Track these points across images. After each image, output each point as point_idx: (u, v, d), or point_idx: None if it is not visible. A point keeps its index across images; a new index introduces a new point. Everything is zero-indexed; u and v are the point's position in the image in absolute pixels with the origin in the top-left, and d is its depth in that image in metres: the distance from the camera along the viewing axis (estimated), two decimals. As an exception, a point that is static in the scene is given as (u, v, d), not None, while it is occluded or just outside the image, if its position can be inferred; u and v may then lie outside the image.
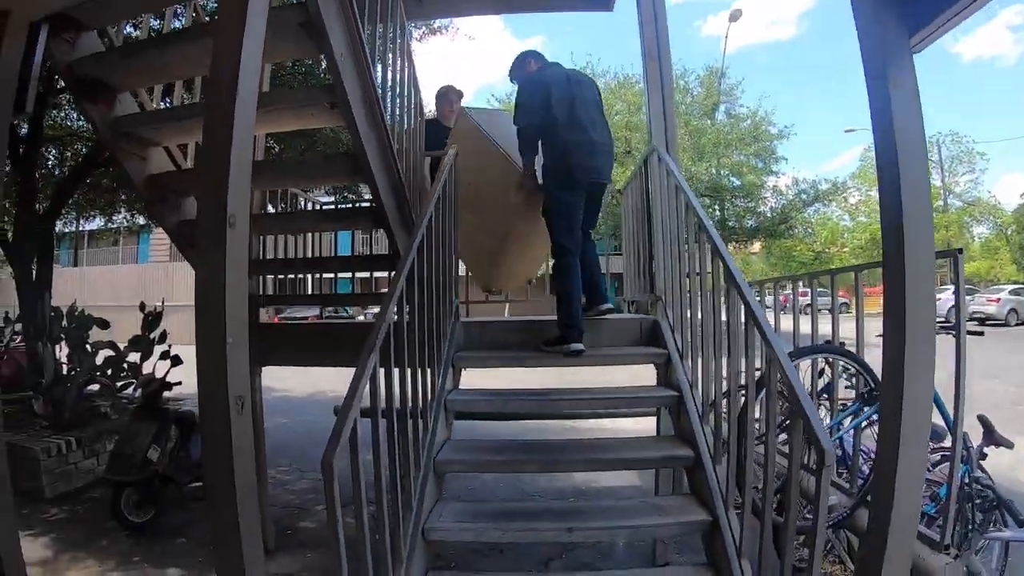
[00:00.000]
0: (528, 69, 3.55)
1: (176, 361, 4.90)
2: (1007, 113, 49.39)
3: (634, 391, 3.22)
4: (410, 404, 2.31)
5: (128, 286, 18.67)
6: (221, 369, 1.62)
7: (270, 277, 4.47)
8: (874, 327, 2.39)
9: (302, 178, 3.89)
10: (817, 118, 52.02)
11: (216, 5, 4.00)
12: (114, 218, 7.91)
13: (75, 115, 6.36)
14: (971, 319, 20.67)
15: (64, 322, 6.12)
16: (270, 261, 4.30)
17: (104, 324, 6.34)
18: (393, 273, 2.43)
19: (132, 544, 4.24)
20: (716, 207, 17.73)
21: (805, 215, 21.62)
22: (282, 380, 8.82)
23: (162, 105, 3.65)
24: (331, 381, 9.03)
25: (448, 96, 4.68)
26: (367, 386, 1.84)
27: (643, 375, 3.45)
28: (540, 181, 3.41)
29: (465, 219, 3.53)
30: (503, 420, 3.87)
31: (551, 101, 3.20)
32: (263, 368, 4.16)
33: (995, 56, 57.75)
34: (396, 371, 2.16)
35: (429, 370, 2.61)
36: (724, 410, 2.64)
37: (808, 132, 49.33)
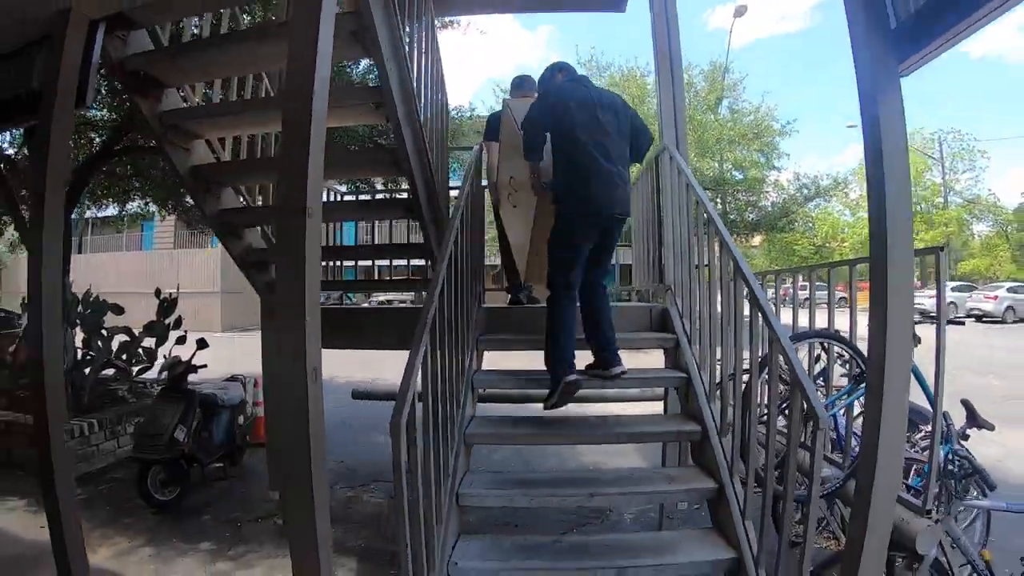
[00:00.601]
0: (555, 81, 3.51)
1: (202, 344, 5.18)
2: (1013, 111, 50.26)
3: (646, 372, 3.53)
4: (447, 383, 2.62)
5: (134, 273, 18.93)
6: (300, 343, 1.90)
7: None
8: (866, 320, 2.71)
9: (345, 170, 4.13)
10: (826, 112, 52.64)
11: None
12: (128, 205, 8.15)
13: (91, 105, 6.59)
14: (969, 316, 21.25)
15: (79, 308, 6.39)
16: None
17: (119, 310, 6.63)
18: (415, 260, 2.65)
19: (158, 522, 4.49)
20: (718, 200, 18.12)
21: (806, 210, 22.11)
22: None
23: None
24: (340, 367, 9.32)
25: (522, 87, 4.53)
26: (419, 366, 2.14)
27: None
28: (543, 180, 3.43)
29: (511, 211, 3.78)
30: (519, 403, 4.19)
31: (573, 122, 3.14)
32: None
33: (1003, 53, 58.88)
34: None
35: (460, 352, 2.93)
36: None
37: (817, 126, 50.14)
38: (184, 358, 5.28)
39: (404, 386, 1.99)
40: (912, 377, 2.48)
